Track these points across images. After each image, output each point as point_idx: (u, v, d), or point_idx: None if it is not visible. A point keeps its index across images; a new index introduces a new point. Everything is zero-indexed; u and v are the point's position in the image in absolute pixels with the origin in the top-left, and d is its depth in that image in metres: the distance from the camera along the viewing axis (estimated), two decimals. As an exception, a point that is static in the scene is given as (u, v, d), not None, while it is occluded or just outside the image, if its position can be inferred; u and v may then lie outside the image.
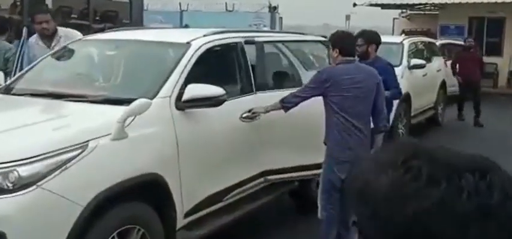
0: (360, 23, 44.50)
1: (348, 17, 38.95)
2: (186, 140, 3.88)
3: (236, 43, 4.71)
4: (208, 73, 4.41)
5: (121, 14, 11.36)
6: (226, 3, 28.23)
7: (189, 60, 4.15)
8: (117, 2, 11.59)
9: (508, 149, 9.23)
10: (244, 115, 4.44)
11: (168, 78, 3.95)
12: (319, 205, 4.52)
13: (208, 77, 4.29)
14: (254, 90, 4.66)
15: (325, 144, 4.48)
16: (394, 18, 23.68)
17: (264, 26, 27.13)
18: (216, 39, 4.53)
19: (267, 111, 4.50)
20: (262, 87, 4.77)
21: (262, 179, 4.71)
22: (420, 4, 19.93)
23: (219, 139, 4.25)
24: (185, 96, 3.86)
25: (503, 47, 18.87)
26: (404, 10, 22.71)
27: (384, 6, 20.23)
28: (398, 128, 8.92)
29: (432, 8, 20.82)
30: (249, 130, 4.53)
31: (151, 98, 3.75)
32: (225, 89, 4.41)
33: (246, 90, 4.65)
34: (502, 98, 16.45)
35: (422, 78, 9.93)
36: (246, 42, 4.77)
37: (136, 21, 10.64)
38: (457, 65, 11.86)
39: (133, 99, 3.54)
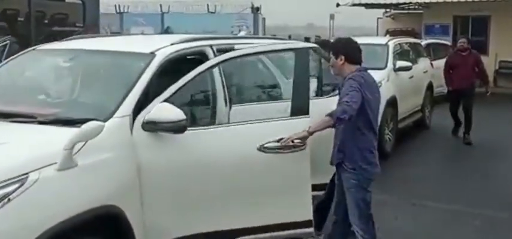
0: (344, 22, 44.31)
1: (332, 17, 38.70)
2: (152, 166, 3.40)
3: (208, 52, 4.26)
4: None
5: (73, 16, 10.30)
6: (208, 5, 27.74)
7: (154, 73, 3.69)
8: (69, 3, 10.62)
9: (497, 152, 8.92)
10: (281, 143, 3.76)
11: (127, 94, 3.49)
12: (358, 231, 4.17)
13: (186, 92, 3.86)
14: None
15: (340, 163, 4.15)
16: (378, 18, 23.40)
17: (247, 27, 26.72)
18: (185, 49, 4.06)
19: (311, 134, 3.81)
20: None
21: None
22: (404, 3, 19.63)
23: (200, 170, 3.59)
24: (145, 118, 3.40)
25: (489, 46, 18.64)
26: (388, 10, 22.42)
27: (367, 5, 19.91)
28: (385, 134, 8.53)
29: (416, 7, 20.54)
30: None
31: (108, 118, 3.29)
32: (197, 106, 3.97)
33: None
34: (489, 98, 16.16)
35: (408, 81, 9.58)
36: (219, 51, 4.32)
37: (91, 24, 9.93)
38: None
39: (87, 120, 3.08)
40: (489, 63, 18.34)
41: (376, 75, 8.63)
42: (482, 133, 9.88)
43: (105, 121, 3.22)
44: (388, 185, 7.01)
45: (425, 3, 18.70)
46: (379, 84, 8.20)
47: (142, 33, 18.65)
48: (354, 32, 26.80)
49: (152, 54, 3.81)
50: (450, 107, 10.11)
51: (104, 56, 4.07)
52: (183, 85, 3.59)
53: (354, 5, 19.36)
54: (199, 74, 3.68)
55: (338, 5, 19.29)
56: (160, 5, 29.21)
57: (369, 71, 8.74)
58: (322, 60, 4.91)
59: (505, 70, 18.42)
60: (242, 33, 6.46)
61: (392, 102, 8.68)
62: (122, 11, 29.99)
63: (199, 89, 4.07)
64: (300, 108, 3.89)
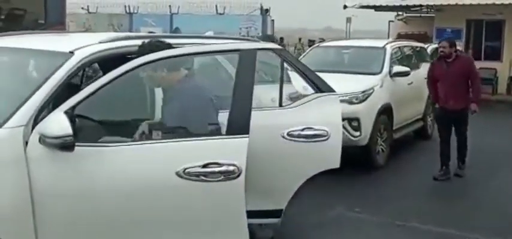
0: (361, 26, 43.80)
1: (348, 20, 38.12)
2: (51, 190, 2.87)
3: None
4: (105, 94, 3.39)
5: (33, 13, 9.23)
6: (216, 6, 27.35)
7: (68, 76, 3.14)
8: None
9: (508, 163, 8.22)
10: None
11: (27, 100, 2.94)
12: None
13: (100, 101, 3.29)
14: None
15: None
16: (389, 21, 22.70)
17: (255, 29, 26.26)
18: (114, 48, 3.49)
19: None
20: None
21: None
22: (415, 6, 18.90)
23: (103, 195, 2.98)
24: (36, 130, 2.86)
25: (503, 52, 17.83)
26: (400, 13, 21.71)
27: (376, 7, 19.21)
28: (377, 144, 7.91)
29: (429, 10, 19.81)
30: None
31: (-4, 128, 2.76)
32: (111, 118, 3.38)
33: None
34: (501, 106, 15.45)
35: (407, 87, 8.92)
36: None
37: (55, 22, 8.85)
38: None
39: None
40: (503, 70, 17.61)
41: (369, 81, 8.18)
42: (492, 144, 9.19)
43: (-6, 129, 2.69)
44: (372, 201, 6.43)
45: (437, 6, 17.95)
46: (370, 91, 7.84)
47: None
48: (370, 35, 26.19)
49: (70, 54, 3.26)
50: (439, 131, 7.76)
51: (16, 54, 3.53)
52: (92, 92, 3.03)
53: (362, 7, 18.68)
54: (114, 78, 3.10)
55: (345, 6, 18.63)
56: (170, 6, 28.90)
57: (361, 76, 8.33)
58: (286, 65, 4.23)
59: (520, 77, 17.58)
60: (209, 33, 5.86)
61: (386, 110, 8.05)
62: (131, 11, 29.80)
63: (118, 96, 3.46)
64: (237, 126, 3.18)
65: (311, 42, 21.86)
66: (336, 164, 3.84)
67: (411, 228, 5.62)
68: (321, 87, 3.91)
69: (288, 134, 3.67)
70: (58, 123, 2.76)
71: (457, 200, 6.71)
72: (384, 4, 18.43)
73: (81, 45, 3.38)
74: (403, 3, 18.59)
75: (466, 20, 18.14)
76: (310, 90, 3.97)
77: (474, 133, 7.99)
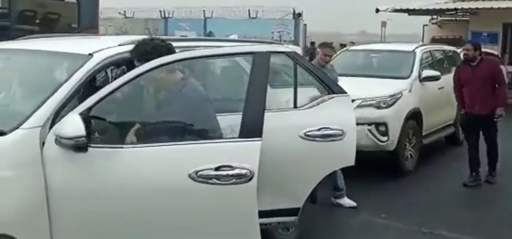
0: (395, 30, 43.29)
1: (383, 24, 37.73)
2: (67, 190, 2.91)
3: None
4: (120, 96, 3.44)
5: (67, 17, 9.39)
6: (249, 10, 27.37)
7: (84, 78, 3.18)
8: (63, 2, 9.72)
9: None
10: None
11: (44, 101, 3.00)
12: None
13: (119, 103, 3.35)
14: None
15: None
16: (424, 25, 22.32)
17: (288, 33, 26.18)
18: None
19: None
20: None
21: None
22: (449, 9, 18.55)
23: (118, 196, 3.02)
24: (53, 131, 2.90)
25: (541, 57, 17.36)
26: (434, 17, 21.33)
27: (410, 11, 18.93)
28: (406, 150, 7.78)
29: (464, 14, 19.43)
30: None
31: (13, 129, 2.81)
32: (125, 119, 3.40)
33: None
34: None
35: (437, 92, 8.74)
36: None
37: (88, 26, 8.95)
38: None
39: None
40: (540, 76, 17.10)
41: (397, 85, 8.05)
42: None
43: (7, 132, 2.75)
44: (399, 208, 6.33)
45: (472, 9, 17.59)
46: (398, 95, 7.71)
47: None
48: (404, 39, 25.83)
49: (89, 56, 3.31)
50: (466, 137, 7.64)
51: (38, 57, 3.61)
52: (107, 94, 3.06)
53: (395, 10, 18.45)
54: (128, 81, 3.13)
55: (377, 10, 18.41)
56: (203, 11, 29.09)
57: (390, 80, 8.20)
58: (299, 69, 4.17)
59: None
60: (233, 37, 5.87)
61: (414, 115, 7.91)
62: (166, 16, 30.15)
63: (133, 97, 3.49)
64: (250, 129, 3.17)
65: (342, 47, 21.69)
66: (351, 162, 3.85)
67: (438, 236, 5.50)
68: (332, 88, 3.90)
69: (305, 134, 3.68)
70: (72, 124, 2.80)
71: (486, 208, 6.54)
72: (417, 8, 18.15)
73: (101, 47, 3.43)
74: (437, 7, 18.28)
75: (502, 23, 17.73)
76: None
77: (506, 139, 7.78)
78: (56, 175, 2.89)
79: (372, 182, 7.45)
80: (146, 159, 3.05)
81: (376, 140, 7.38)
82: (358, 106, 7.43)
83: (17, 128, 2.84)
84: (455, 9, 18.45)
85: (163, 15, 29.96)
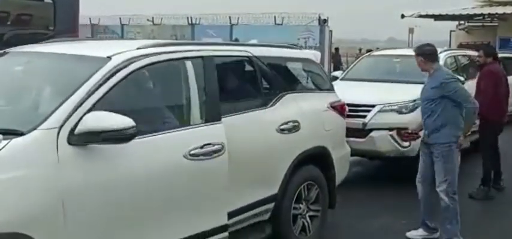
0: (423, 36, 42.91)
1: (411, 31, 37.42)
2: (81, 189, 3.01)
3: (180, 60, 3.82)
4: (137, 99, 3.60)
5: (42, 18, 9.03)
6: (275, 17, 27.45)
7: (103, 81, 3.28)
8: (37, 3, 9.22)
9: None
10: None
11: (62, 103, 3.09)
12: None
13: (135, 105, 3.46)
14: (203, 118, 3.86)
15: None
16: (450, 31, 22.09)
17: (313, 39, 26.16)
18: (150, 55, 3.63)
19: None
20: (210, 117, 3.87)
21: None
22: (476, 15, 18.32)
23: (148, 189, 3.38)
24: (78, 129, 3.00)
25: None
26: (461, 22, 21.09)
27: (436, 17, 18.76)
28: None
29: (491, 19, 19.17)
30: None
31: (31, 130, 2.91)
32: (161, 119, 3.64)
33: (189, 121, 3.80)
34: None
35: (462, 98, 8.62)
36: (195, 58, 3.87)
37: (66, 29, 8.45)
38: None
39: (7, 131, 2.73)
40: None
41: (419, 90, 7.94)
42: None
43: (25, 133, 2.84)
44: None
45: (500, 14, 17.33)
46: (420, 101, 7.62)
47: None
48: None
49: (107, 59, 3.41)
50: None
51: (57, 60, 3.73)
52: (106, 93, 3.27)
53: (421, 16, 18.30)
54: (119, 82, 3.35)
55: (403, 16, 18.28)
56: (230, 17, 29.30)
57: (412, 85, 8.13)
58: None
59: None
60: (253, 41, 5.96)
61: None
62: (193, 22, 30.43)
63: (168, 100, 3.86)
64: (214, 114, 3.89)
65: (368, 52, 21.60)
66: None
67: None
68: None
69: (280, 128, 4.48)
70: (112, 118, 3.05)
71: (501, 218, 6.45)
72: (443, 13, 17.97)
73: (120, 51, 3.52)
74: (464, 12, 18.08)
75: (531, 29, 17.48)
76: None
77: None
78: (71, 176, 2.97)
79: (393, 187, 7.41)
80: (150, 147, 3.36)
81: (398, 145, 7.34)
82: (380, 111, 7.42)
83: (35, 128, 2.93)
84: (483, 14, 18.21)
85: (190, 22, 30.29)
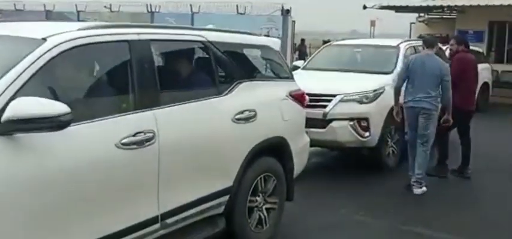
0: (385, 30, 43.25)
1: (372, 23, 37.64)
2: (9, 181, 2.75)
3: (118, 43, 3.57)
4: (72, 84, 3.33)
5: None
6: (237, 6, 27.17)
7: (35, 63, 3.02)
8: None
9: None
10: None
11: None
12: None
13: (70, 90, 3.21)
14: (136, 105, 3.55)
15: None
16: (411, 23, 22.23)
17: (276, 29, 26.03)
18: (87, 37, 3.37)
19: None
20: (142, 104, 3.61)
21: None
22: (436, 7, 18.46)
23: (80, 181, 3.13)
24: (5, 116, 2.72)
25: (527, 56, 17.32)
26: (421, 15, 21.25)
27: (397, 8, 18.83)
28: (387, 146, 7.64)
29: (450, 12, 19.35)
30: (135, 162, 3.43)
31: None
32: (96, 105, 3.28)
33: (127, 107, 3.50)
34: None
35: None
36: (132, 41, 3.64)
37: None
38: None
39: None
40: (526, 74, 17.06)
41: (380, 80, 7.89)
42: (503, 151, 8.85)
43: None
44: (378, 205, 6.19)
45: (458, 7, 17.50)
46: (381, 91, 7.57)
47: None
48: (392, 37, 25.73)
49: (42, 40, 3.14)
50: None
51: None
52: (37, 76, 3.02)
53: (382, 7, 18.33)
54: (52, 65, 3.12)
55: (365, 7, 18.26)
56: (191, 5, 28.84)
57: (373, 75, 8.05)
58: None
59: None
60: (210, 26, 5.72)
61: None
62: (153, 10, 29.87)
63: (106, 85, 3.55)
64: (149, 101, 3.63)
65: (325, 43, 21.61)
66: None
67: (417, 234, 5.37)
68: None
69: (235, 118, 4.27)
70: (45, 104, 2.81)
71: (476, 207, 6.43)
72: (404, 5, 18.04)
73: (56, 32, 3.26)
74: (424, 4, 18.19)
75: (488, 22, 17.70)
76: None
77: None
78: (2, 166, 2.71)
79: (352, 178, 7.33)
80: (78, 136, 3.12)
81: (357, 135, 7.25)
82: (341, 101, 7.30)
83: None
84: (442, 7, 18.35)
85: (149, 10, 29.73)
